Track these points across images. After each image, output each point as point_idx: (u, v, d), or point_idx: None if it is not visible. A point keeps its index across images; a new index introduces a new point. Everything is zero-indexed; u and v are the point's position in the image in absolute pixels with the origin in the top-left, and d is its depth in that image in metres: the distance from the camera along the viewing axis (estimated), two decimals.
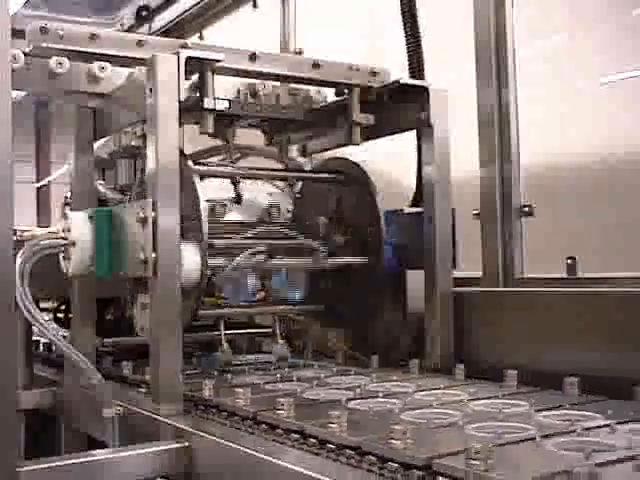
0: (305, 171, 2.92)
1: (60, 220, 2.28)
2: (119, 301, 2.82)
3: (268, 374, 2.37)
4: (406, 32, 2.77)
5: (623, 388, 1.84)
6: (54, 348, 3.16)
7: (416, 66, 2.75)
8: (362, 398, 1.89)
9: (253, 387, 2.03)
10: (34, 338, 3.33)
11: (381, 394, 1.92)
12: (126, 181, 3.22)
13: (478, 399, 1.85)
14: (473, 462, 1.25)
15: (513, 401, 1.81)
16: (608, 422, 1.55)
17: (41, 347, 3.39)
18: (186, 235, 2.17)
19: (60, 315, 3.23)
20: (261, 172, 2.73)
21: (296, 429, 1.63)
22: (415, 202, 2.69)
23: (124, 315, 2.69)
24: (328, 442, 1.52)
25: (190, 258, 2.22)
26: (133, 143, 3.11)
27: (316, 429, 1.57)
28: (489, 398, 1.85)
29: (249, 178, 2.66)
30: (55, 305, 3.23)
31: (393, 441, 1.39)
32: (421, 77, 2.72)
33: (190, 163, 2.38)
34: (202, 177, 2.43)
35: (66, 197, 3.05)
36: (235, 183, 2.59)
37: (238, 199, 2.60)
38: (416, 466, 1.33)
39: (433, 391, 1.97)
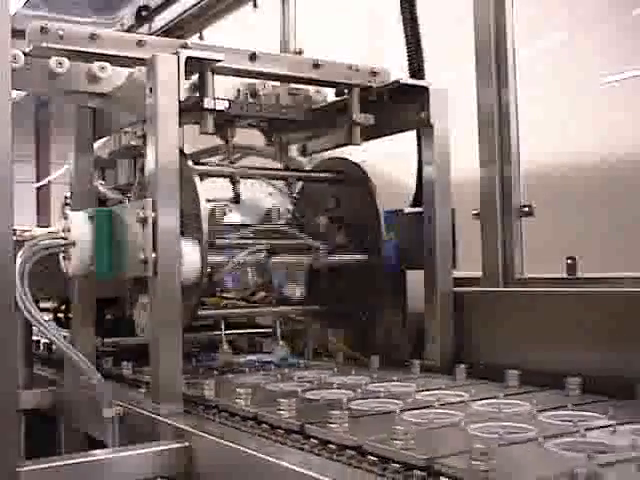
0: (305, 171, 2.92)
1: (60, 220, 2.28)
2: (120, 301, 2.82)
3: (269, 374, 2.36)
4: (406, 32, 2.77)
5: (623, 388, 1.84)
6: (54, 348, 3.16)
7: (416, 66, 2.75)
8: (363, 398, 1.88)
9: (253, 387, 2.03)
10: (35, 338, 3.35)
11: (382, 394, 1.92)
12: (126, 181, 3.22)
13: (480, 399, 1.84)
14: (475, 462, 1.24)
15: (515, 401, 1.80)
16: (610, 423, 1.55)
17: (41, 347, 3.38)
18: (186, 234, 2.17)
19: (60, 315, 3.23)
20: (261, 172, 2.73)
21: (296, 429, 1.63)
22: (415, 203, 2.69)
23: (124, 315, 2.69)
24: (329, 442, 1.52)
25: (190, 255, 2.22)
26: (133, 143, 3.11)
27: (315, 429, 1.57)
28: (490, 398, 1.85)
29: (249, 178, 2.66)
30: (55, 305, 3.23)
31: (395, 441, 1.39)
32: (421, 77, 2.73)
33: (190, 163, 2.38)
34: (202, 177, 2.43)
35: (66, 197, 3.05)
36: (234, 183, 2.59)
37: (237, 199, 2.60)
38: (417, 466, 1.32)
39: (434, 391, 1.97)
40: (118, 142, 3.05)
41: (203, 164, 2.57)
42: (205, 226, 2.27)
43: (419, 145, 2.65)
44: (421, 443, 1.41)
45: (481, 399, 1.85)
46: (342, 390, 2.02)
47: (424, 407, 1.76)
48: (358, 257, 2.60)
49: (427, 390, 1.99)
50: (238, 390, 1.88)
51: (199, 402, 2.01)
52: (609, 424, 1.54)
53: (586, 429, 1.50)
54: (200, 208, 2.27)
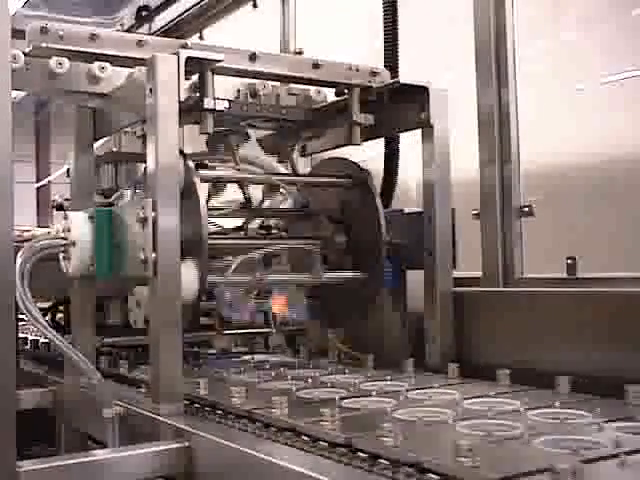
0: (308, 175, 2.91)
1: (53, 223, 2.28)
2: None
3: (265, 373, 2.37)
4: (385, 24, 2.77)
5: (622, 388, 1.84)
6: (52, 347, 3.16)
7: (391, 56, 2.75)
8: (355, 397, 1.90)
9: (249, 386, 2.03)
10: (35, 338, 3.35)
11: (374, 393, 1.94)
12: (109, 186, 3.22)
13: (470, 398, 1.86)
14: (461, 459, 1.26)
15: (505, 400, 1.83)
16: (596, 420, 1.56)
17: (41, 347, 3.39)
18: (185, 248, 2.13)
19: (57, 316, 3.23)
20: (263, 177, 2.73)
21: (287, 427, 1.64)
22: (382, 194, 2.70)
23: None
24: (319, 439, 1.54)
25: (188, 275, 2.19)
26: (114, 149, 3.13)
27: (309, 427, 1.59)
28: (481, 397, 1.87)
29: (252, 183, 2.66)
30: (49, 306, 3.23)
31: (384, 439, 1.41)
32: (395, 68, 2.72)
33: (191, 163, 2.37)
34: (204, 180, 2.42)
35: (54, 200, 3.05)
36: (243, 187, 2.58)
37: (247, 203, 2.59)
38: (405, 463, 1.34)
39: (426, 390, 1.99)
40: (101, 149, 3.06)
41: (205, 166, 2.55)
42: (206, 246, 2.23)
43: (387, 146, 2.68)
44: (411, 440, 1.43)
45: (472, 397, 1.87)
46: (336, 388, 2.04)
47: (416, 405, 1.79)
48: (358, 274, 2.58)
49: (420, 389, 2.01)
50: (233, 388, 1.90)
51: (194, 400, 2.03)
52: (595, 422, 1.55)
53: (572, 427, 1.52)
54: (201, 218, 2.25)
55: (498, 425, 1.56)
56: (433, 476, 1.29)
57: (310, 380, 2.19)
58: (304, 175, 2.89)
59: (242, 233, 2.64)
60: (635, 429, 1.52)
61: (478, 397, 1.87)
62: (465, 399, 1.85)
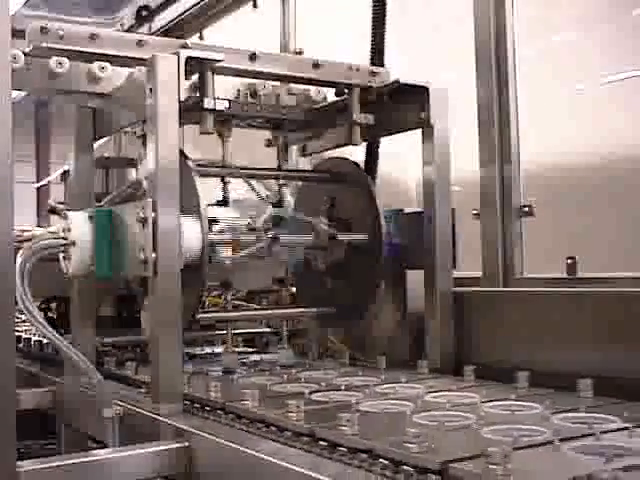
0: (303, 171, 2.91)
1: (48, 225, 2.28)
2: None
3: (274, 375, 2.33)
4: (374, 17, 2.77)
5: (622, 388, 1.84)
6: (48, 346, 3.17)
7: (377, 50, 2.75)
8: (372, 400, 1.86)
9: (260, 388, 1.98)
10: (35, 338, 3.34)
11: (392, 396, 1.91)
12: (100, 190, 3.22)
13: (491, 401, 1.81)
14: (492, 467, 1.21)
15: (527, 403, 1.78)
16: (626, 425, 1.52)
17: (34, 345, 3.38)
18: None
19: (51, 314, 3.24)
20: (260, 172, 2.73)
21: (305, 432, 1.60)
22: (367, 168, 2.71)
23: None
24: (339, 445, 1.49)
25: (190, 229, 2.19)
26: (105, 154, 3.13)
27: (326, 431, 1.55)
28: (502, 400, 1.82)
29: (251, 177, 2.66)
30: (45, 305, 3.23)
31: (409, 445, 1.36)
32: (381, 63, 2.73)
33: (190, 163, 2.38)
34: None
35: (48, 204, 3.05)
36: (225, 184, 2.58)
37: (225, 201, 2.60)
38: (432, 470, 1.30)
39: (444, 393, 1.94)
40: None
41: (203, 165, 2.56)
42: (203, 203, 2.24)
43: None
44: (435, 446, 1.38)
45: (493, 401, 1.81)
46: (351, 391, 2.00)
47: (436, 409, 1.74)
48: (360, 235, 2.58)
49: (437, 391, 1.96)
50: (245, 391, 1.86)
51: (202, 403, 2.01)
52: (624, 426, 1.51)
53: (601, 432, 1.47)
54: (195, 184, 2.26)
55: (524, 430, 1.52)
56: None
57: (324, 383, 2.14)
58: (297, 171, 2.89)
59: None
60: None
61: (500, 400, 1.82)
62: (483, 402, 1.81)
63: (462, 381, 2.13)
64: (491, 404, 1.79)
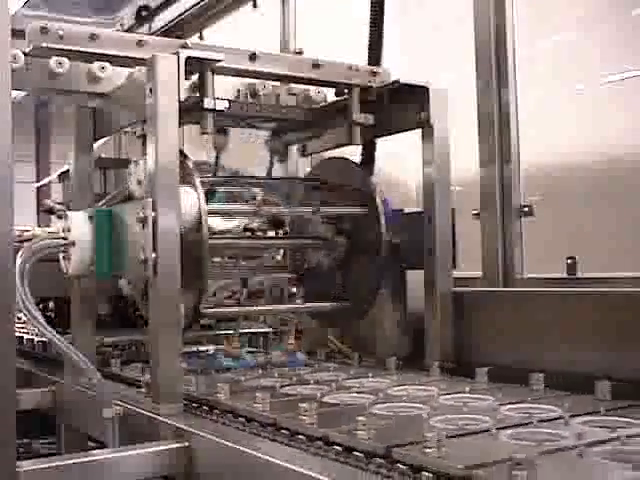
0: (302, 179, 2.91)
1: (42, 225, 2.28)
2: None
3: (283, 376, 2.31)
4: (372, 17, 2.77)
5: (621, 388, 1.84)
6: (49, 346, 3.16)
7: (375, 49, 2.76)
8: (385, 403, 1.84)
9: (270, 391, 1.97)
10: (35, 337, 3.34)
11: (405, 398, 1.89)
12: (100, 191, 3.22)
13: (506, 404, 1.79)
14: (516, 473, 1.18)
15: (544, 406, 1.76)
16: None
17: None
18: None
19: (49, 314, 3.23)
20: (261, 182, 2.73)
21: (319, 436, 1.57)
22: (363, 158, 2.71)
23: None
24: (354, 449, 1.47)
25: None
26: (103, 155, 3.11)
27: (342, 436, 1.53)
28: (518, 403, 1.80)
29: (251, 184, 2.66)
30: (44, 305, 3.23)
31: (427, 450, 1.34)
32: (377, 62, 2.73)
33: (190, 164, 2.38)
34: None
35: (43, 204, 3.05)
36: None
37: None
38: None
39: (456, 395, 1.92)
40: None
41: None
42: (198, 180, 2.24)
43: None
44: (455, 452, 1.35)
45: (509, 403, 1.79)
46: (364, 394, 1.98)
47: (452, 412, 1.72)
48: (358, 209, 2.58)
49: (451, 394, 1.94)
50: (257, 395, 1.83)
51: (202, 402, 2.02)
52: None
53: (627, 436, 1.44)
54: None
55: (545, 434, 1.50)
56: None
57: (334, 384, 2.11)
58: (296, 178, 2.90)
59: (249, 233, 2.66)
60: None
61: (515, 403, 1.80)
62: (501, 405, 1.78)
63: (474, 383, 2.09)
64: (507, 407, 1.76)
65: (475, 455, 1.36)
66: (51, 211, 2.88)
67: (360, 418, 1.50)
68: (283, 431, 1.65)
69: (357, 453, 1.45)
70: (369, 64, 2.70)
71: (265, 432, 1.69)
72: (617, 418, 1.61)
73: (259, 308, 2.65)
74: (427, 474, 1.30)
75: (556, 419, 1.64)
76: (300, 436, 1.60)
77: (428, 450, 1.33)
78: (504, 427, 1.54)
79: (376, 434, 1.48)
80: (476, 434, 1.53)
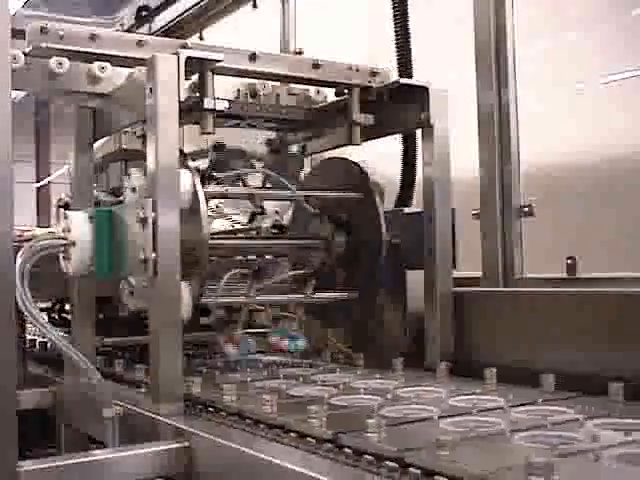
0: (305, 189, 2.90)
1: (57, 221, 2.27)
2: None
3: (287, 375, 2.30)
4: (396, 29, 2.77)
5: (624, 388, 1.84)
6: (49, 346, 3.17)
7: (404, 62, 2.75)
8: (394, 405, 1.82)
9: (280, 392, 1.96)
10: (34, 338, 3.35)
11: (414, 400, 1.88)
12: (118, 184, 3.22)
13: (517, 405, 1.77)
14: (535, 478, 1.16)
15: (556, 407, 1.74)
16: None
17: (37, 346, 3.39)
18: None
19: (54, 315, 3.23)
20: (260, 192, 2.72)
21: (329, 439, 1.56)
22: (400, 202, 2.68)
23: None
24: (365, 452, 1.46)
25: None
26: (125, 146, 3.11)
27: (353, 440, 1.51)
28: (529, 404, 1.78)
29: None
30: (49, 305, 3.23)
31: (441, 453, 1.31)
32: (409, 74, 2.73)
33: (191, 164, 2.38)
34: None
35: (60, 199, 3.04)
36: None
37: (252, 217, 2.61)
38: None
39: (468, 396, 1.90)
40: (112, 145, 3.06)
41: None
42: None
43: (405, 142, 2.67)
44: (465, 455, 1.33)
45: (519, 405, 1.76)
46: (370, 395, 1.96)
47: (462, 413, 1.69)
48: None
49: (461, 395, 1.92)
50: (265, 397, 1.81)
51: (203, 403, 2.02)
52: None
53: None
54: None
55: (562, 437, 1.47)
56: None
57: (342, 386, 2.09)
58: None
59: (254, 232, 2.65)
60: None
61: (527, 404, 1.78)
62: (512, 407, 1.77)
63: (482, 383, 2.07)
64: (519, 409, 1.74)
65: (490, 459, 1.35)
66: (67, 206, 2.88)
67: (369, 420, 1.47)
68: (291, 433, 1.62)
69: (367, 456, 1.42)
70: (400, 76, 2.69)
71: (271, 434, 1.67)
72: (631, 420, 1.58)
73: (265, 298, 2.56)
74: (441, 478, 1.28)
75: (570, 421, 1.61)
76: (309, 438, 1.56)
77: (442, 453, 1.31)
78: (517, 430, 1.52)
79: (387, 437, 1.45)
80: (490, 437, 1.51)
